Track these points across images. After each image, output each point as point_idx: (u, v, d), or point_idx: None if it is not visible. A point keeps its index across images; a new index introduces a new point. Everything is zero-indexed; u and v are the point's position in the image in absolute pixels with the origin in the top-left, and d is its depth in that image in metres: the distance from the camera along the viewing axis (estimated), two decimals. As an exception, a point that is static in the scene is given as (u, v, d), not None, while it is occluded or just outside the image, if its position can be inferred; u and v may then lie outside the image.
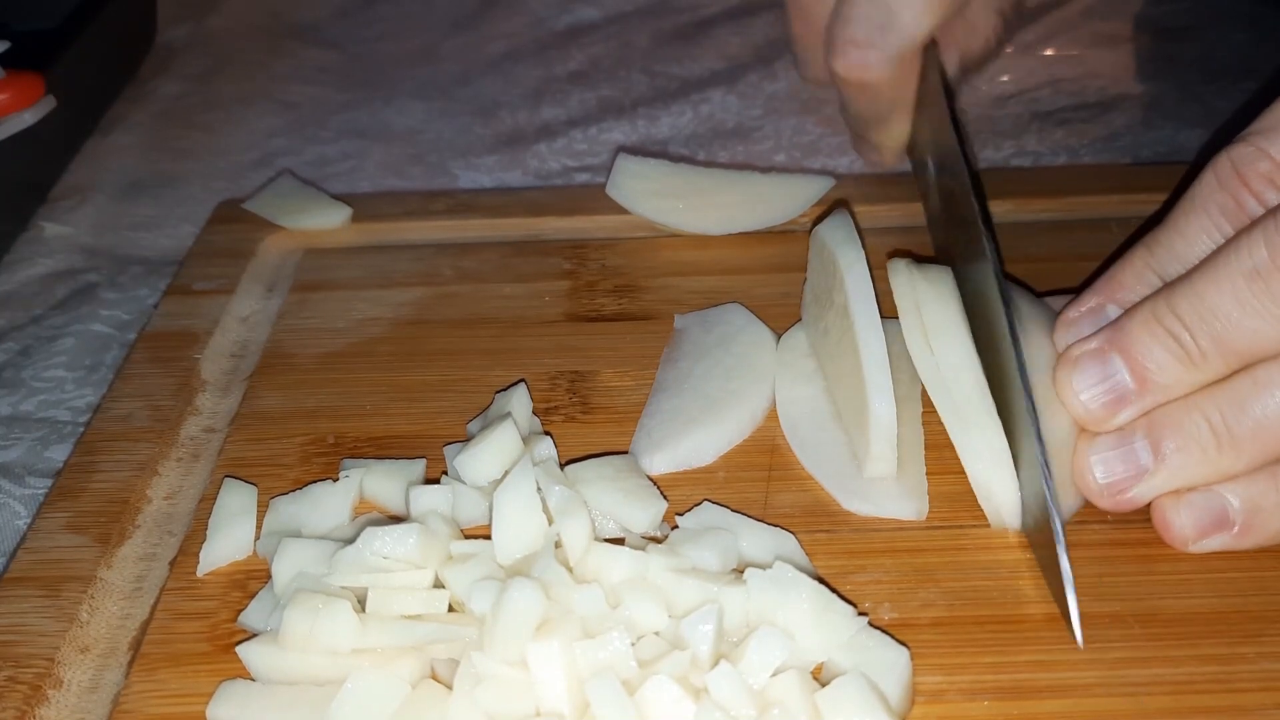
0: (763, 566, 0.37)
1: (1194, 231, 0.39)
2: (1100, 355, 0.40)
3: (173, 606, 0.41)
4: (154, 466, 0.46)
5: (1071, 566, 0.37)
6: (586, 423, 0.47)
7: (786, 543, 0.40)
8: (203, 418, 0.49)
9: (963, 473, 0.42)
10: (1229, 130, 0.40)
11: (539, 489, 0.40)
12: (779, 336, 0.49)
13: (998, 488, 0.40)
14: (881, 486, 0.42)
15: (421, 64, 0.80)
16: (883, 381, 0.41)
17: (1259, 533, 0.39)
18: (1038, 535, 0.39)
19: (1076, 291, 0.43)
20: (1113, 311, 0.41)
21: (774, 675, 0.35)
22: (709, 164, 0.63)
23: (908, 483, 0.43)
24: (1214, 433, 0.38)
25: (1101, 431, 0.40)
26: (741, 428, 0.46)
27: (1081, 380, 0.40)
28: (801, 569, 0.38)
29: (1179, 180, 0.47)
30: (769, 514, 0.42)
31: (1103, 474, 0.40)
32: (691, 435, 0.45)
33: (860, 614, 0.37)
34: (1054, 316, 0.43)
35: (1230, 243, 0.38)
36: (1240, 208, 0.38)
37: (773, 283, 0.53)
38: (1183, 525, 0.39)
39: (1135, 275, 0.41)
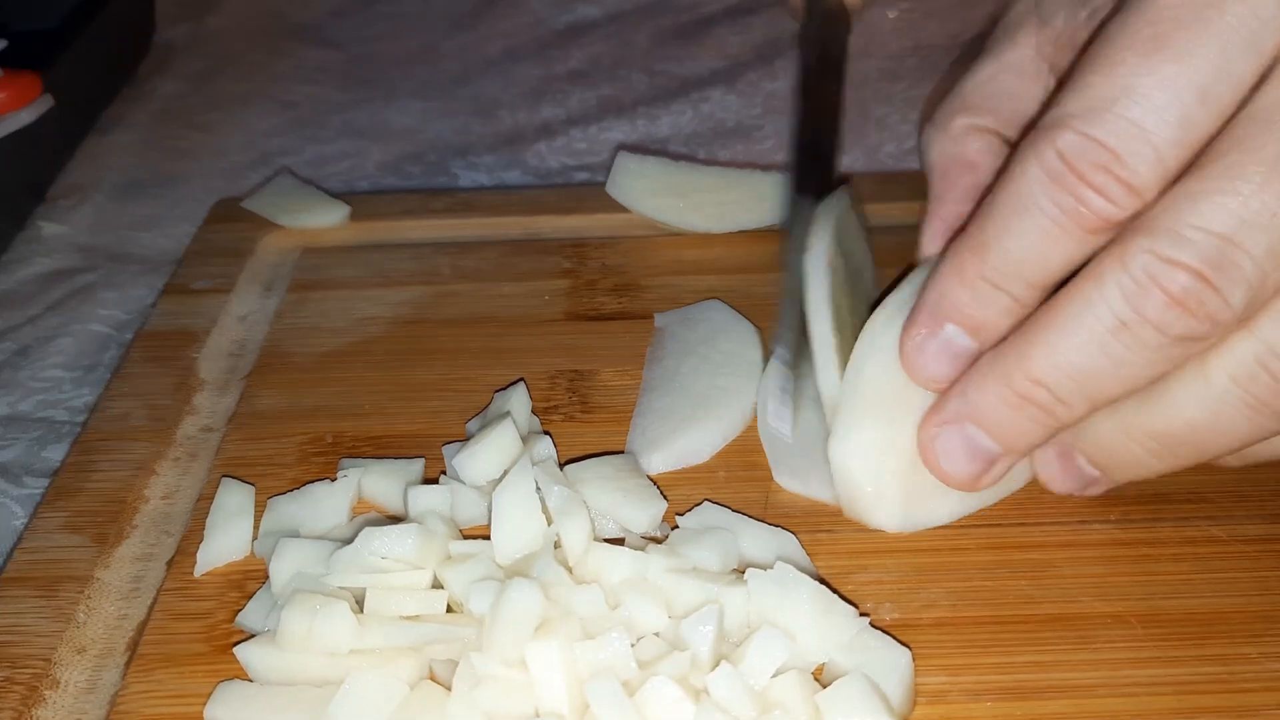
0: (763, 567, 0.37)
1: (1033, 234, 0.35)
2: (959, 428, 0.38)
3: (170, 607, 0.40)
4: (151, 466, 0.46)
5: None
6: (586, 422, 0.47)
7: (787, 543, 0.40)
8: (200, 417, 0.49)
9: None
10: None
11: (538, 489, 0.40)
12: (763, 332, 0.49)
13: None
14: (814, 469, 0.42)
15: (421, 64, 0.80)
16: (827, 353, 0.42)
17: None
18: None
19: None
20: (954, 334, 0.38)
21: (775, 676, 0.35)
22: (709, 163, 0.63)
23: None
24: (1157, 458, 0.38)
25: (1042, 454, 0.41)
26: (735, 424, 0.46)
27: (949, 458, 0.39)
28: (803, 569, 0.38)
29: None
30: (769, 514, 0.42)
31: (1059, 489, 0.41)
32: (686, 433, 0.44)
33: (862, 614, 0.37)
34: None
35: (1078, 292, 0.35)
36: (1083, 204, 0.34)
37: (773, 281, 0.53)
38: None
39: (971, 290, 0.37)
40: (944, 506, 0.41)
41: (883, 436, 0.40)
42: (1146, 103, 0.33)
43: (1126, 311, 0.34)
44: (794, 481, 0.43)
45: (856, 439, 0.40)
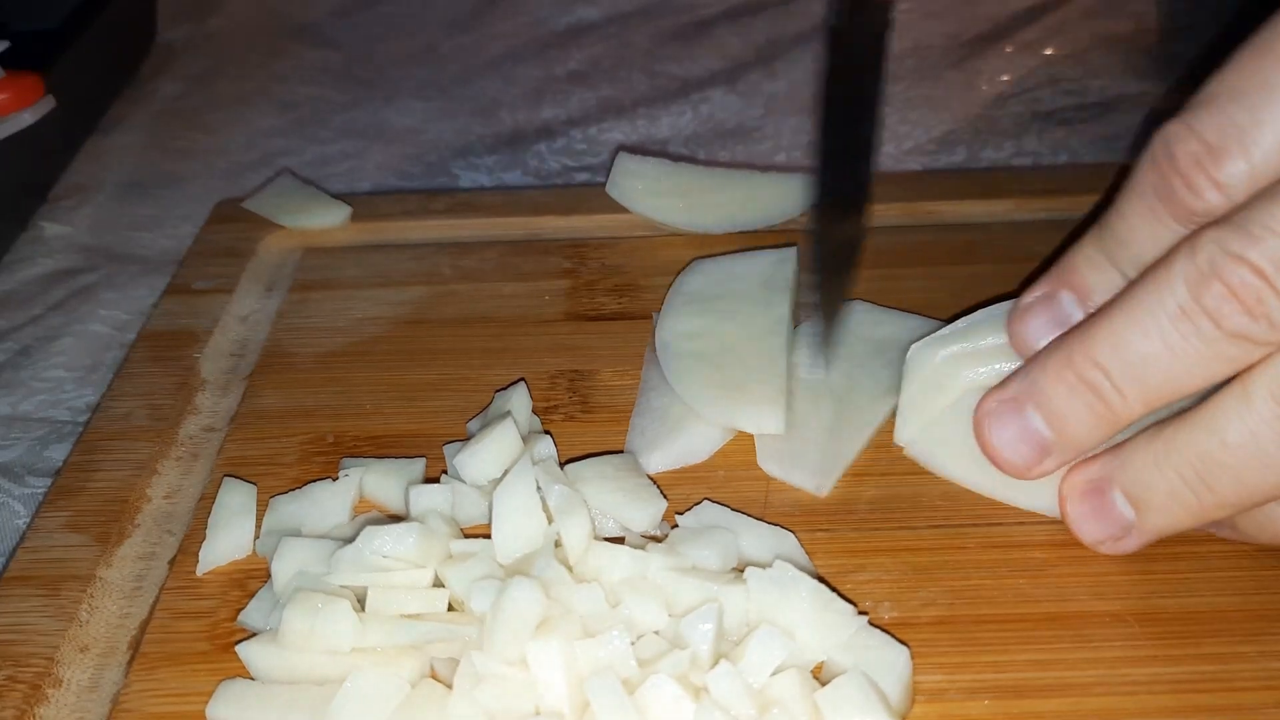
0: (763, 565, 0.37)
1: (1133, 215, 0.38)
2: (1016, 406, 0.39)
3: (172, 605, 0.41)
4: (153, 465, 0.46)
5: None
6: (586, 422, 0.47)
7: (786, 542, 0.40)
8: (202, 417, 0.49)
9: None
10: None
11: (539, 488, 0.40)
12: None
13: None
14: (799, 456, 0.43)
15: (421, 64, 0.80)
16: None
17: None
18: None
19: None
20: (1065, 299, 0.40)
21: (774, 674, 0.35)
22: (709, 163, 0.63)
23: (823, 460, 0.43)
24: (1193, 492, 0.37)
25: (1077, 482, 0.39)
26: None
27: (1003, 438, 0.39)
28: (801, 568, 0.38)
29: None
30: (769, 513, 0.42)
31: (1090, 534, 0.40)
32: (686, 433, 0.45)
33: (860, 613, 0.37)
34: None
35: (1149, 277, 0.36)
36: (1171, 191, 0.36)
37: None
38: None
39: (1086, 260, 0.40)
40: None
41: None
42: (1248, 105, 0.35)
43: (1187, 299, 0.35)
44: (776, 467, 0.44)
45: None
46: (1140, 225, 0.37)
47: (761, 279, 0.50)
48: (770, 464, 0.44)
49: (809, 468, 0.43)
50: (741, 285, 0.50)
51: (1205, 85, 0.36)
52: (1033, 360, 0.39)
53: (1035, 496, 0.41)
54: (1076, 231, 0.54)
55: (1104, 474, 0.39)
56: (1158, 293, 0.35)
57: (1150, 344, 0.35)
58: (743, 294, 0.49)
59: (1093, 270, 0.39)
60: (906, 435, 0.44)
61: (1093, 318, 0.37)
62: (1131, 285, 0.37)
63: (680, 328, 0.48)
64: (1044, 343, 0.40)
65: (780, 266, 0.50)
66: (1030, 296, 0.41)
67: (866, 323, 0.49)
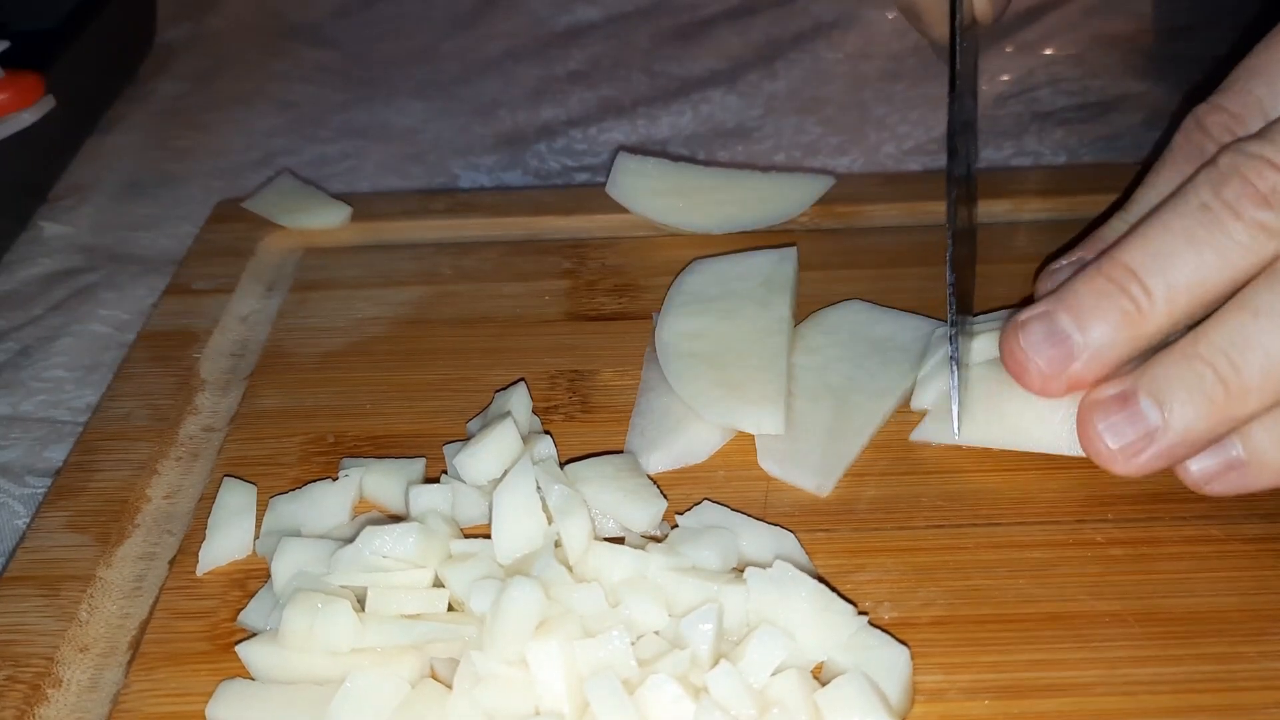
0: (763, 566, 0.37)
1: (1164, 182, 0.41)
2: (1046, 313, 0.39)
3: (172, 605, 0.41)
4: (153, 465, 0.46)
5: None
6: (586, 422, 0.47)
7: (786, 542, 0.40)
8: (202, 417, 0.49)
9: (961, 472, 0.43)
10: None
11: (539, 488, 0.40)
12: None
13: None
14: (799, 456, 0.43)
15: (421, 64, 0.80)
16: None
17: (1269, 470, 0.38)
18: None
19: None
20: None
21: (774, 674, 0.35)
22: (709, 163, 0.63)
23: (824, 460, 0.43)
24: (1221, 380, 0.37)
25: (1102, 396, 0.39)
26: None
27: (1027, 338, 0.39)
28: (801, 568, 0.38)
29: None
30: (769, 513, 0.42)
31: (1113, 440, 0.39)
32: (685, 433, 0.45)
33: (860, 613, 0.37)
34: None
35: (1176, 192, 0.38)
36: (1202, 154, 0.39)
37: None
38: (1193, 475, 0.39)
39: (1114, 231, 0.41)
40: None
41: None
42: (1266, 80, 0.40)
43: (1209, 195, 0.37)
44: (776, 467, 0.44)
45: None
46: (1168, 190, 0.39)
47: (761, 279, 0.50)
48: (770, 464, 0.44)
49: (810, 468, 0.43)
50: (741, 285, 0.50)
51: (1228, 77, 0.42)
52: (1065, 281, 0.40)
53: (1056, 436, 0.41)
54: (1076, 232, 0.54)
55: (1129, 384, 0.39)
56: (1183, 197, 0.38)
57: (1174, 240, 0.37)
58: (743, 294, 0.49)
59: (1116, 231, 0.41)
60: (927, 401, 0.45)
61: (1125, 236, 0.39)
62: (1160, 204, 0.39)
63: (680, 328, 0.48)
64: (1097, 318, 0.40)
65: (780, 266, 0.50)
66: (1059, 264, 0.43)
67: (866, 322, 0.49)
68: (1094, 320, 0.38)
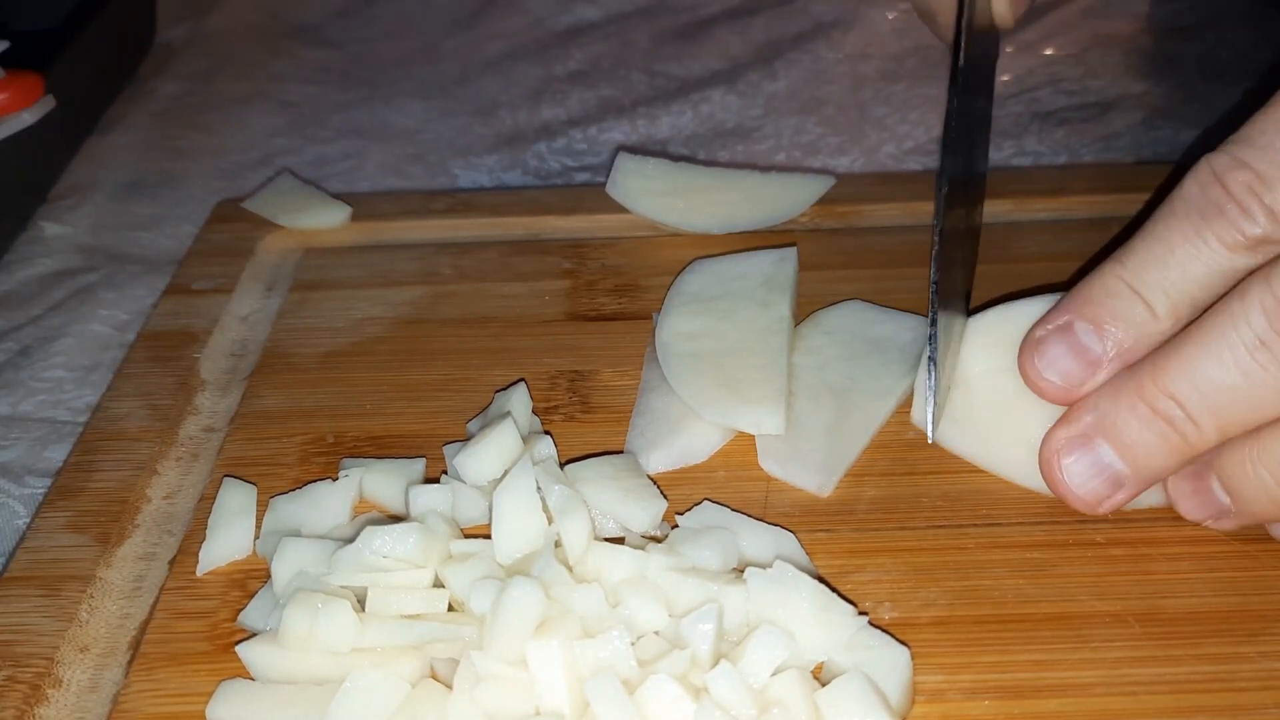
0: (763, 566, 0.37)
1: (1172, 237, 0.37)
2: (1086, 441, 0.39)
3: (172, 606, 0.41)
4: (153, 466, 0.46)
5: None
6: (586, 422, 0.47)
7: (786, 542, 0.40)
8: (202, 417, 0.49)
9: (960, 472, 0.43)
10: (1218, 132, 0.39)
11: (539, 488, 0.40)
12: None
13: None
14: (800, 456, 0.43)
15: (421, 64, 0.80)
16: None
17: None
18: None
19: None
20: (1081, 329, 0.39)
21: (774, 675, 0.35)
22: (709, 163, 0.63)
23: (824, 460, 0.43)
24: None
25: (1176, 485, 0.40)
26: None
27: (1074, 474, 0.39)
28: (802, 568, 0.38)
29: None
30: (769, 513, 0.42)
31: (1187, 513, 0.40)
32: (685, 433, 0.45)
33: (860, 613, 0.37)
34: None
35: (1222, 308, 0.36)
36: (1222, 213, 0.36)
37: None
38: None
39: (1105, 289, 0.38)
40: None
41: None
42: None
43: (1265, 328, 0.35)
44: (777, 467, 0.44)
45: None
46: (1181, 246, 0.37)
47: (761, 279, 0.50)
48: (771, 464, 0.44)
49: (810, 468, 0.43)
50: (741, 285, 0.50)
51: (1243, 126, 0.37)
52: (1099, 394, 0.39)
53: (1020, 468, 0.42)
54: (1076, 231, 0.54)
55: (1204, 462, 0.38)
56: (1233, 322, 0.35)
57: (1227, 374, 0.35)
58: (743, 294, 0.49)
59: (1111, 298, 0.38)
60: (922, 415, 0.45)
61: (1162, 349, 0.37)
62: (1200, 319, 0.37)
63: (680, 328, 0.48)
64: (1058, 376, 0.39)
65: (780, 266, 0.50)
66: (1043, 329, 0.40)
67: (866, 322, 0.49)
68: (1140, 452, 0.38)
